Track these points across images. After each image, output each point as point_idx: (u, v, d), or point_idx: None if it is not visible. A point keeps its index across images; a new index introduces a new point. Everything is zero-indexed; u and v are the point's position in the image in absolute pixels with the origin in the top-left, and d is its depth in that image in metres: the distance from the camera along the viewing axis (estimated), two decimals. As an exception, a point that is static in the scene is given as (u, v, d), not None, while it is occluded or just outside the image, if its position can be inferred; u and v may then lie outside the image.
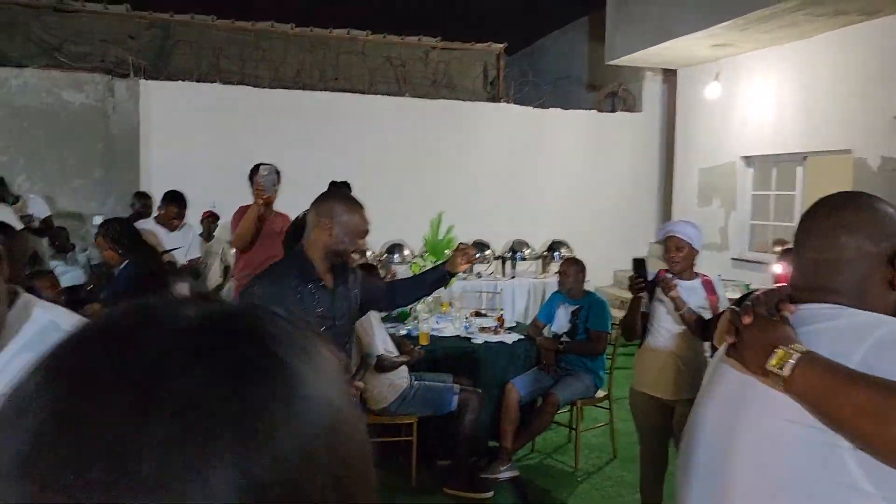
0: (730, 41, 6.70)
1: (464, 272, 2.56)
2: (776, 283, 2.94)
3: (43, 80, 6.94)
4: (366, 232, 2.48)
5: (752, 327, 1.22)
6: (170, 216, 5.10)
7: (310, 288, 2.41)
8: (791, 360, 1.11)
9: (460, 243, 2.68)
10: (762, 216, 7.46)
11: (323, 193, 2.64)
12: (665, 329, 3.20)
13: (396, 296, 2.77)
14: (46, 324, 1.18)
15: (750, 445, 1.19)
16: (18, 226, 5.03)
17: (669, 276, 3.12)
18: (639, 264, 3.21)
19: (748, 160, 7.48)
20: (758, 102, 7.12)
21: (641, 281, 3.18)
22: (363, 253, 2.52)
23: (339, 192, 2.61)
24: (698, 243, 3.20)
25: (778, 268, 3.08)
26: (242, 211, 4.13)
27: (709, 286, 3.19)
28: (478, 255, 2.52)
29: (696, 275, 3.26)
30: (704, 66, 7.70)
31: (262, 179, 3.87)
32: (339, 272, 2.51)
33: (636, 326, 3.30)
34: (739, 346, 1.25)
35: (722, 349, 1.41)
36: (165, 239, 5.01)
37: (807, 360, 1.08)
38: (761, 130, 7.10)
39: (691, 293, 3.17)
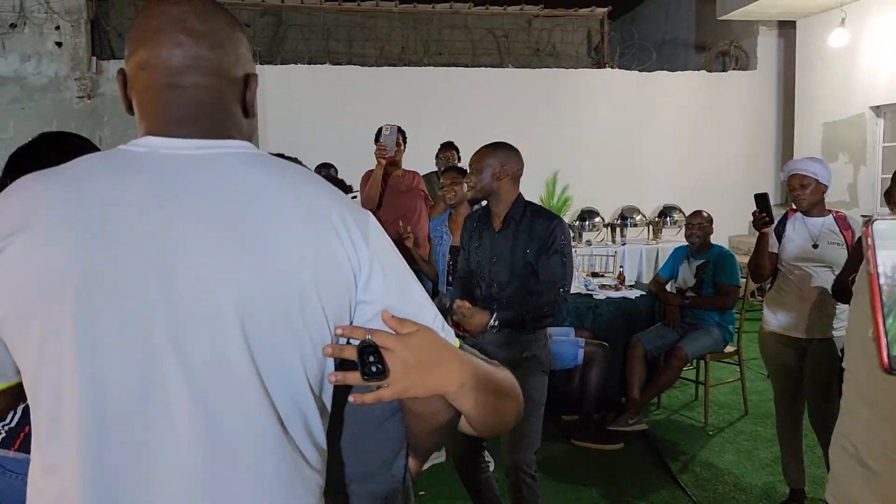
0: (857, -17, 6.29)
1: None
2: None
3: (169, 70, 7.39)
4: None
5: None
6: None
7: (480, 224, 2.82)
8: None
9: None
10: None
11: None
12: (796, 267, 3.10)
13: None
14: None
15: None
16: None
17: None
18: (761, 199, 3.11)
19: (878, 110, 7.01)
20: (889, 47, 6.65)
21: (765, 216, 3.08)
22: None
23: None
24: (825, 178, 3.06)
25: None
26: (368, 174, 4.30)
27: (843, 222, 3.06)
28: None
29: (829, 211, 3.13)
30: (827, 14, 7.26)
31: (384, 140, 4.08)
32: (510, 219, 2.71)
33: (764, 265, 3.19)
34: None
35: None
36: None
37: None
38: (894, 77, 6.63)
39: (824, 230, 3.05)
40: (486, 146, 2.77)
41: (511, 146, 2.78)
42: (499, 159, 2.72)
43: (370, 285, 0.93)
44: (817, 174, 3.05)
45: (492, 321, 2.59)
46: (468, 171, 2.76)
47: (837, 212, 3.16)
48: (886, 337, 0.66)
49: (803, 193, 3.07)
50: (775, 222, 3.17)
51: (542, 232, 2.65)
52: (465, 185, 3.05)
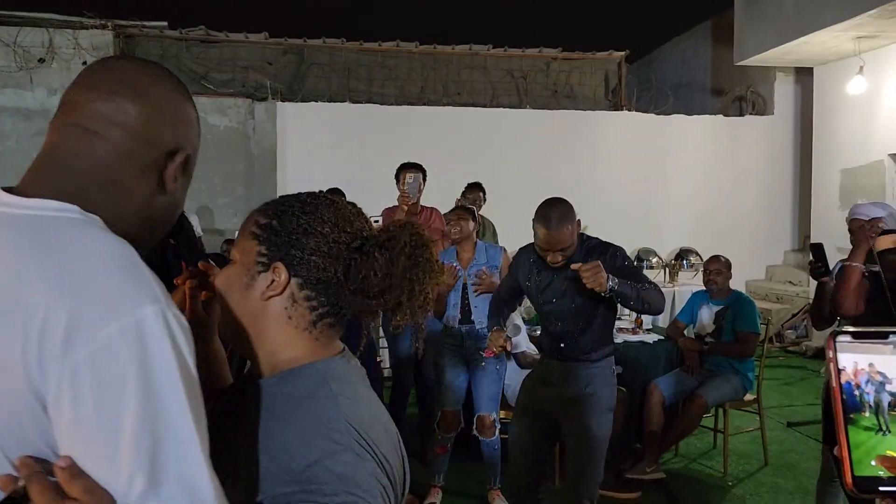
0: (876, 32, 6.32)
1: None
2: None
3: (192, 106, 7.52)
4: (545, 248, 2.72)
5: None
6: None
7: (534, 263, 2.88)
8: None
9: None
10: (916, 218, 6.92)
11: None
12: (854, 317, 3.01)
13: None
14: None
15: None
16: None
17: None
18: (817, 248, 3.08)
19: (897, 157, 7.00)
20: (908, 95, 6.66)
21: (821, 266, 3.03)
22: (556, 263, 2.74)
23: (550, 201, 2.74)
24: (889, 223, 3.00)
25: None
26: (388, 213, 4.32)
27: None
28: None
29: None
30: (845, 62, 7.29)
31: (408, 187, 4.12)
32: (571, 260, 2.70)
33: (825, 314, 3.12)
34: None
35: None
36: None
37: None
38: (913, 125, 6.63)
39: None
40: (560, 217, 2.67)
41: (564, 199, 2.75)
42: (572, 220, 2.71)
43: (58, 414, 0.71)
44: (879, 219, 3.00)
45: (610, 283, 2.53)
46: (553, 250, 2.69)
47: None
48: (850, 455, 0.64)
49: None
50: (834, 271, 3.11)
51: (611, 262, 2.72)
52: (470, 224, 3.73)
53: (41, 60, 7.29)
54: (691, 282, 7.33)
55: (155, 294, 0.76)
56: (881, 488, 0.63)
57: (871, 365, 0.64)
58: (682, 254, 7.84)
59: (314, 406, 0.90)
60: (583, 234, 2.84)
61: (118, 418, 0.70)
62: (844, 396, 0.64)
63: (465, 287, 3.74)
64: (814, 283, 3.25)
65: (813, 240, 7.56)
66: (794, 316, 7.88)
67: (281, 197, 1.03)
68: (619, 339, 4.48)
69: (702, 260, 7.61)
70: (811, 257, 3.10)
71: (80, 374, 0.70)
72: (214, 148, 7.53)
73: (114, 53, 7.49)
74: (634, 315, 5.25)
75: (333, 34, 8.21)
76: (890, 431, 0.64)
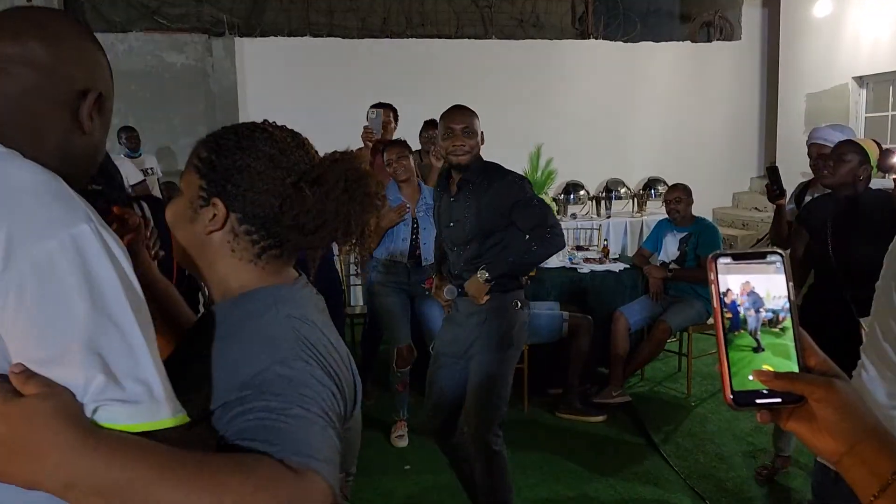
0: (841, -49, 6.24)
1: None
2: None
3: (146, 43, 7.23)
4: (446, 136, 2.62)
5: None
6: None
7: (440, 187, 2.86)
8: None
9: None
10: (878, 139, 7.00)
11: None
12: None
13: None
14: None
15: None
16: (139, 177, 5.35)
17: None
18: (773, 171, 3.11)
19: (861, 80, 7.01)
20: (873, 17, 6.63)
21: (776, 188, 3.07)
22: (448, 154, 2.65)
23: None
24: None
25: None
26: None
27: None
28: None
29: None
30: (811, -16, 7.22)
31: (370, 122, 4.09)
32: (463, 185, 2.69)
33: (783, 236, 3.16)
34: None
35: None
36: None
37: None
38: (877, 47, 6.62)
39: None
40: (465, 107, 2.69)
41: None
42: (477, 120, 2.69)
43: (6, 325, 0.72)
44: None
45: (487, 276, 2.57)
46: (456, 133, 2.59)
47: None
48: (730, 370, 0.65)
49: (821, 163, 3.02)
50: (788, 194, 3.14)
51: (508, 190, 2.62)
52: (410, 159, 3.72)
53: (-18, -2, 6.93)
54: (658, 211, 7.38)
55: (87, 215, 0.78)
56: (757, 401, 0.65)
57: (750, 284, 0.66)
58: (651, 183, 7.88)
59: (261, 324, 0.94)
60: (486, 161, 2.73)
61: (67, 322, 0.72)
62: (729, 315, 0.65)
63: (415, 222, 3.74)
64: None
65: (779, 166, 7.64)
66: (758, 241, 8.01)
67: (223, 128, 1.03)
68: (586, 268, 4.54)
69: (669, 188, 7.66)
70: (768, 181, 3.14)
71: (26, 281, 0.71)
72: (173, 87, 7.30)
73: (59, -11, 7.14)
74: (601, 245, 5.31)
75: (291, -36, 7.88)
76: (764, 348, 0.65)
